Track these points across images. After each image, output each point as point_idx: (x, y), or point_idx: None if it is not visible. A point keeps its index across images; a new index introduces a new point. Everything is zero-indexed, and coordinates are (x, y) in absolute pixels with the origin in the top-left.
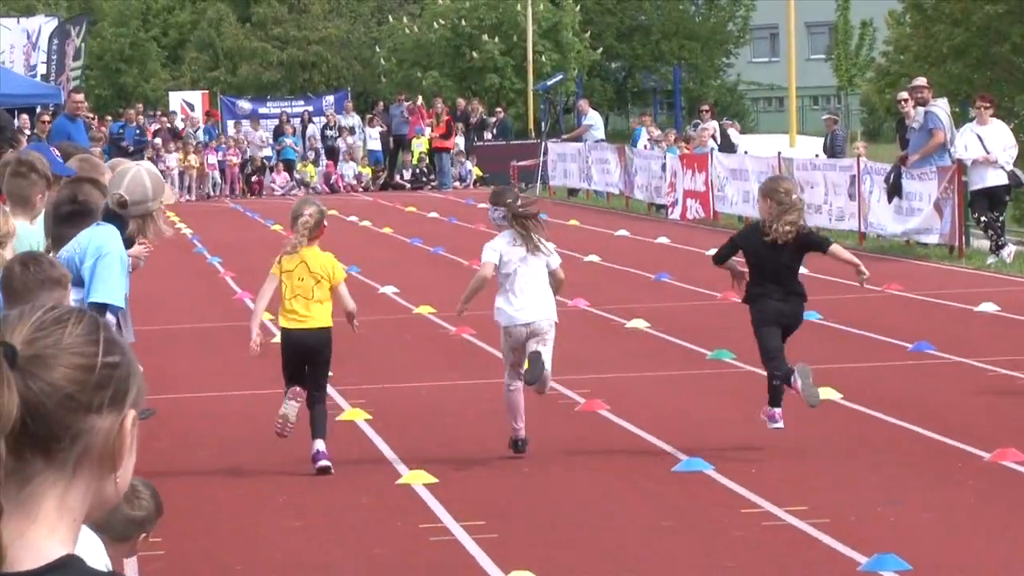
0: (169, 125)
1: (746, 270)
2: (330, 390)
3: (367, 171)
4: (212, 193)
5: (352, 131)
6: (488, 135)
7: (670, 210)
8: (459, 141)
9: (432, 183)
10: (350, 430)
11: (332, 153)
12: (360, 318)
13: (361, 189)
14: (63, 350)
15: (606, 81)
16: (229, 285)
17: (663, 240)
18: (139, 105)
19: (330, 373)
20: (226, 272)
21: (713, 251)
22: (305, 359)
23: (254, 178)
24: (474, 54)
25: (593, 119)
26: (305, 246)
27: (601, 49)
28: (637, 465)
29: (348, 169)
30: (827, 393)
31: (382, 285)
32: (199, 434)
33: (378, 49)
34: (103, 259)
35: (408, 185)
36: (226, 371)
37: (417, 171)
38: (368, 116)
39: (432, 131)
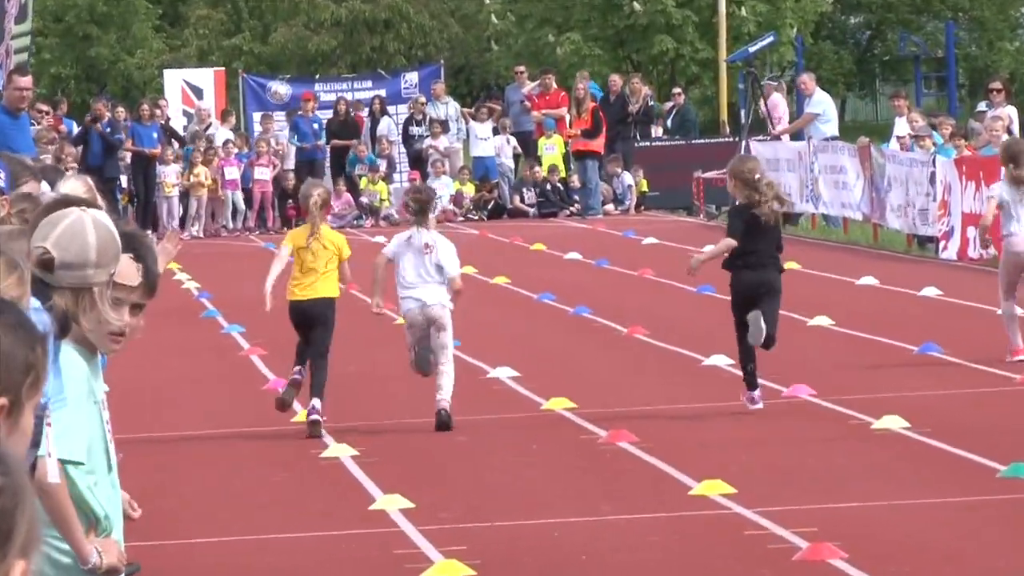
0: (162, 122)
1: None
2: (414, 534)
3: (470, 189)
4: (232, 225)
5: (446, 127)
6: (658, 130)
7: (942, 245)
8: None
9: (572, 207)
10: None
11: (418, 161)
12: (465, 417)
13: (461, 217)
14: None
15: (841, 45)
16: (256, 368)
17: (930, 292)
18: (100, 106)
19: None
20: (252, 348)
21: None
22: (312, 324)
23: (290, 203)
24: (636, 5)
25: (821, 103)
26: (318, 222)
27: None
28: None
29: (441, 187)
30: None
31: (493, 367)
32: None
33: (487, 1)
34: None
35: (533, 210)
36: (251, 502)
37: (548, 188)
38: (475, 104)
39: (571, 125)
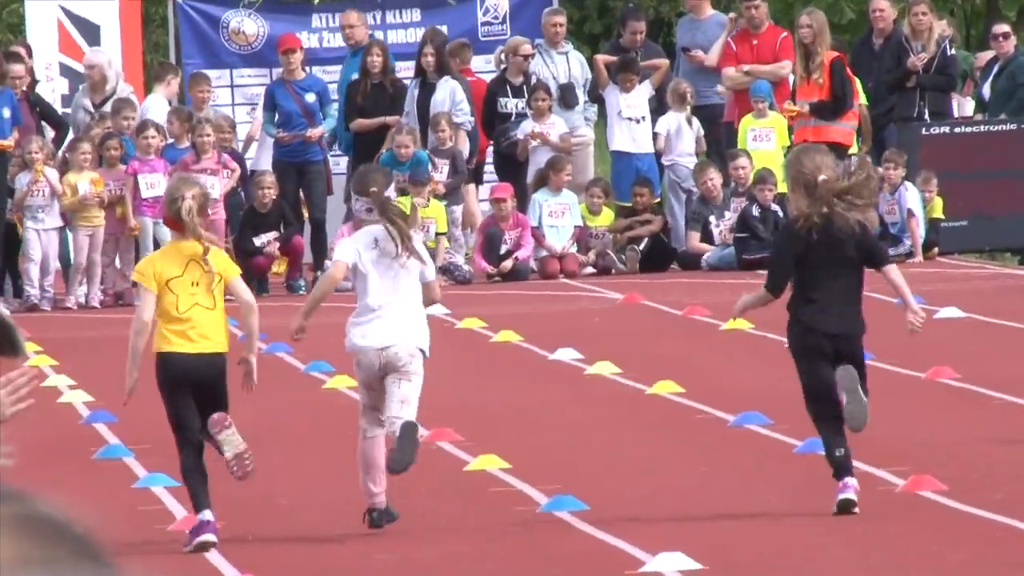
0: (21, 89)
1: None
2: None
3: (607, 218)
4: None
5: (569, 99)
6: (966, 105)
7: None
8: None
9: None
10: None
11: (512, 163)
12: None
13: (589, 268)
14: None
15: None
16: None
17: None
18: None
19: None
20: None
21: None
22: (206, 392)
23: (265, 240)
24: None
25: None
26: (195, 239)
27: None
28: None
29: (560, 210)
30: None
31: (651, 552)
32: None
33: None
34: None
35: (715, 254)
36: None
37: (754, 213)
38: (611, 51)
39: (794, 95)
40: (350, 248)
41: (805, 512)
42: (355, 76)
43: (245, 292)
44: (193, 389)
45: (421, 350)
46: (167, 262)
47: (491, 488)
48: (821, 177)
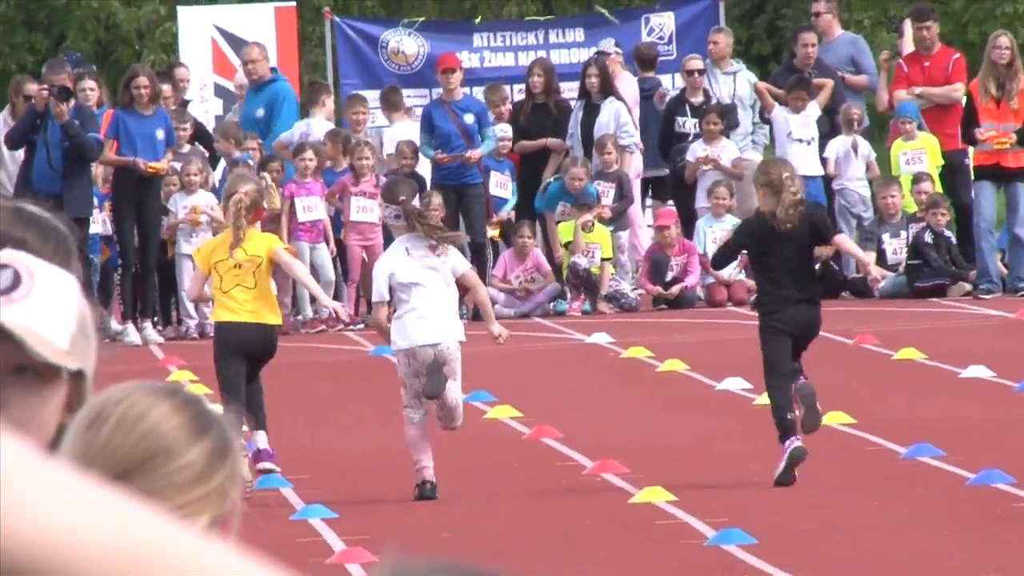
0: (173, 107)
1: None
2: None
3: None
4: (310, 313)
5: (732, 118)
6: None
7: None
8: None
9: (970, 275)
10: None
11: (682, 186)
12: None
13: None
14: None
15: None
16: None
17: None
18: (63, 76)
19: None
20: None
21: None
22: (257, 357)
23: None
24: None
25: None
26: (243, 229)
27: None
28: None
29: (721, 238)
30: None
31: None
32: None
33: None
34: None
35: (885, 285)
36: None
37: (925, 240)
38: (776, 75)
39: (975, 123)
40: (382, 280)
41: (976, 547)
42: (520, 97)
43: (286, 256)
44: (243, 355)
45: (460, 341)
46: (218, 247)
47: (657, 521)
48: (785, 175)
